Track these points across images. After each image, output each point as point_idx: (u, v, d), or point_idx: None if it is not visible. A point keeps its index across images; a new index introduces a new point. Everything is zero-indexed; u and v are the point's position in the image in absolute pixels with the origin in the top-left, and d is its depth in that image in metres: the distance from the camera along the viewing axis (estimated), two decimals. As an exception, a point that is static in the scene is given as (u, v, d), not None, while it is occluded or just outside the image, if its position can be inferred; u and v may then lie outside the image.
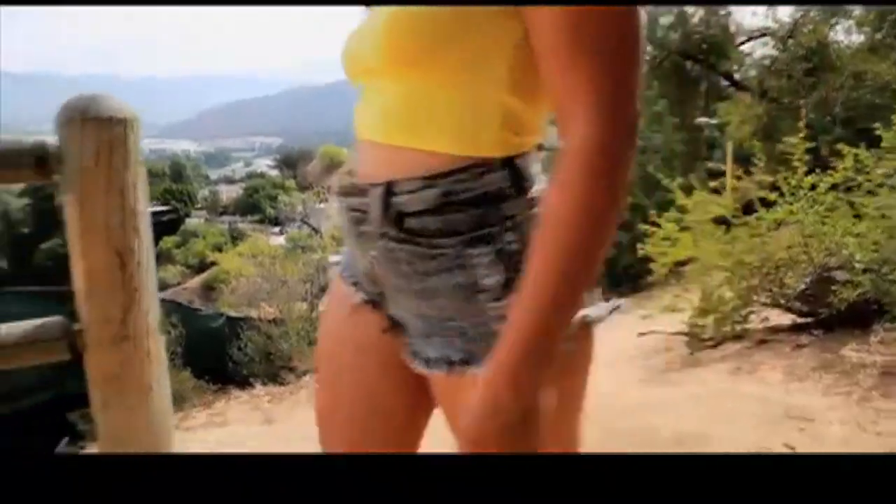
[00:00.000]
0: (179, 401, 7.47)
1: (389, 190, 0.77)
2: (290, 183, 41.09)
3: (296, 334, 8.00)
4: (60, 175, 1.17)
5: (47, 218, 36.36)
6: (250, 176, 49.15)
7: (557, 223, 0.66)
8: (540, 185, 0.77)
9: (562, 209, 0.66)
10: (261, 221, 38.46)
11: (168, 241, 33.47)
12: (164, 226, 35.44)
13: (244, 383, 7.13)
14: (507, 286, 0.74)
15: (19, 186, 39.84)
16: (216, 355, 8.20)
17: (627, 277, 8.10)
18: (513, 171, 0.75)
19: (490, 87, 0.73)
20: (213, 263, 31.58)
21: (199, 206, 41.00)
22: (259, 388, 5.92)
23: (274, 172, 48.26)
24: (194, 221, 37.23)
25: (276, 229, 36.83)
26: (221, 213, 40.40)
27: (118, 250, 1.18)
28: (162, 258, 32.63)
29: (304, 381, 5.90)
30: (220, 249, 33.05)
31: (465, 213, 0.74)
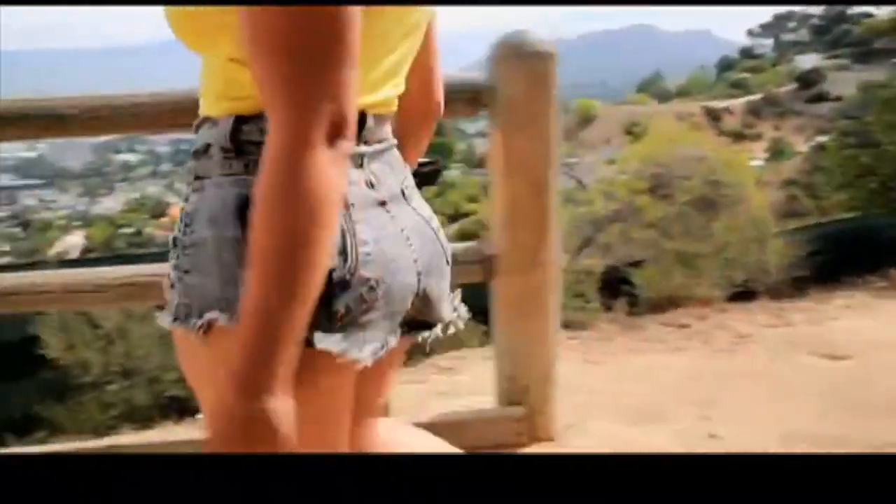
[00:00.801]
0: (451, 338, 8.02)
1: None
2: (543, 137, 41.41)
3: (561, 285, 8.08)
4: (488, 109, 1.25)
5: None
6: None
7: (253, 219, 0.62)
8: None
9: (255, 207, 0.62)
10: (513, 175, 39.53)
11: (429, 191, 35.95)
12: (426, 177, 38.14)
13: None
14: (174, 244, 0.75)
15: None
16: (483, 298, 8.62)
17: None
18: (213, 129, 0.74)
19: (222, 56, 0.72)
20: (466, 214, 33.47)
21: (457, 158, 43.38)
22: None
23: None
24: (452, 174, 39.54)
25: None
26: (476, 166, 42.26)
27: (536, 181, 1.24)
28: (423, 206, 35.44)
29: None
30: (474, 200, 34.83)
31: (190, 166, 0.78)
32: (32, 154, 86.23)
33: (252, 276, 0.61)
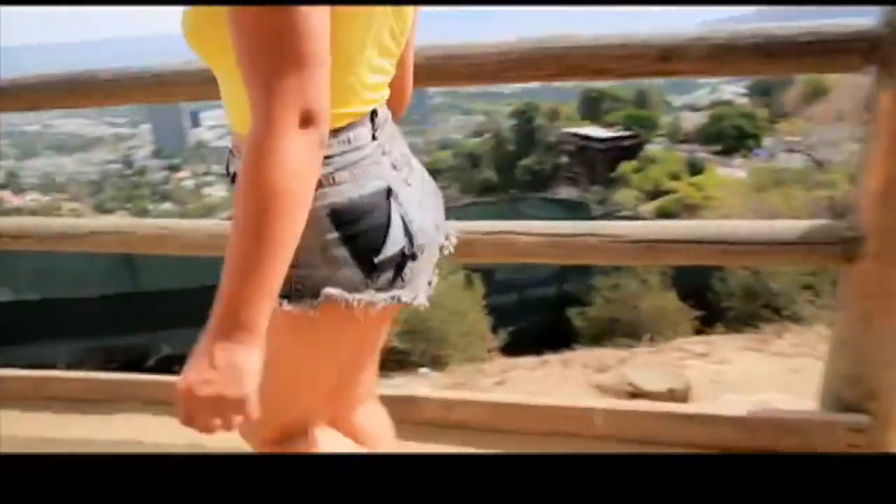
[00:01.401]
0: (660, 321, 7.62)
1: None
2: (762, 112, 37.69)
3: (787, 275, 7.31)
4: (882, 65, 1.05)
5: (528, 138, 41.54)
6: (715, 104, 46.77)
7: (237, 188, 0.73)
8: None
9: (236, 188, 0.74)
10: (722, 152, 36.61)
11: (627, 166, 34.75)
12: (625, 150, 36.80)
13: (719, 314, 6.87)
14: None
15: (510, 109, 46.13)
16: (700, 279, 8.08)
17: None
18: None
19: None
20: (666, 192, 31.62)
21: (660, 132, 41.08)
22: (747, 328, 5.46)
23: (743, 100, 44.84)
24: (654, 148, 37.58)
25: (737, 161, 34.54)
26: (681, 142, 39.72)
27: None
28: (620, 181, 34.16)
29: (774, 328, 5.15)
30: (676, 178, 32.81)
31: None
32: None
33: (233, 234, 0.71)
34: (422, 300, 0.92)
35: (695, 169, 33.76)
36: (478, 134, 51.12)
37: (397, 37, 0.89)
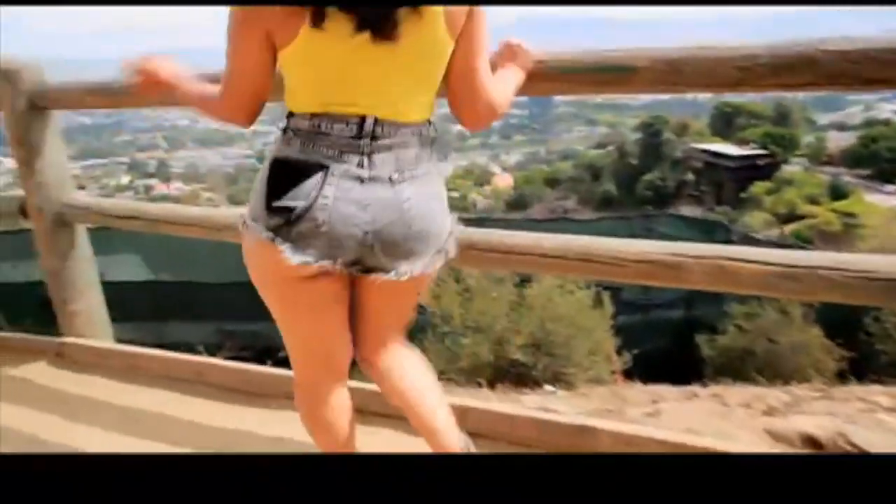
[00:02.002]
0: (801, 359, 7.00)
1: None
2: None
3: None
4: None
5: (654, 152, 40.03)
6: (869, 123, 42.89)
7: (202, 95, 1.32)
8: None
9: (205, 98, 1.31)
10: (872, 177, 33.52)
11: (760, 187, 32.59)
12: (758, 170, 34.54)
13: (871, 358, 6.19)
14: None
15: (636, 121, 44.66)
16: (850, 316, 7.32)
17: None
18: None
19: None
20: (802, 216, 29.32)
21: (801, 152, 38.22)
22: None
23: (902, 120, 40.80)
24: (791, 169, 35.02)
25: (891, 188, 31.43)
26: (824, 163, 36.75)
27: None
28: (750, 203, 32.09)
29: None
30: (814, 202, 30.35)
31: None
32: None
33: (199, 99, 1.32)
34: (292, 258, 1.13)
35: (837, 193, 31.12)
36: (601, 146, 49.92)
37: (361, 82, 1.13)
